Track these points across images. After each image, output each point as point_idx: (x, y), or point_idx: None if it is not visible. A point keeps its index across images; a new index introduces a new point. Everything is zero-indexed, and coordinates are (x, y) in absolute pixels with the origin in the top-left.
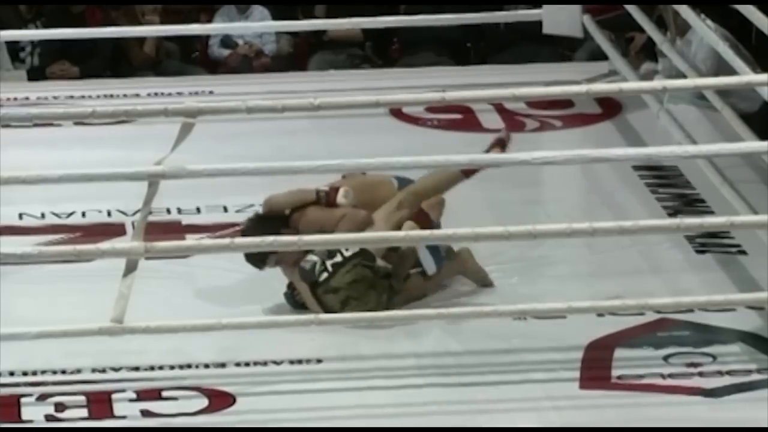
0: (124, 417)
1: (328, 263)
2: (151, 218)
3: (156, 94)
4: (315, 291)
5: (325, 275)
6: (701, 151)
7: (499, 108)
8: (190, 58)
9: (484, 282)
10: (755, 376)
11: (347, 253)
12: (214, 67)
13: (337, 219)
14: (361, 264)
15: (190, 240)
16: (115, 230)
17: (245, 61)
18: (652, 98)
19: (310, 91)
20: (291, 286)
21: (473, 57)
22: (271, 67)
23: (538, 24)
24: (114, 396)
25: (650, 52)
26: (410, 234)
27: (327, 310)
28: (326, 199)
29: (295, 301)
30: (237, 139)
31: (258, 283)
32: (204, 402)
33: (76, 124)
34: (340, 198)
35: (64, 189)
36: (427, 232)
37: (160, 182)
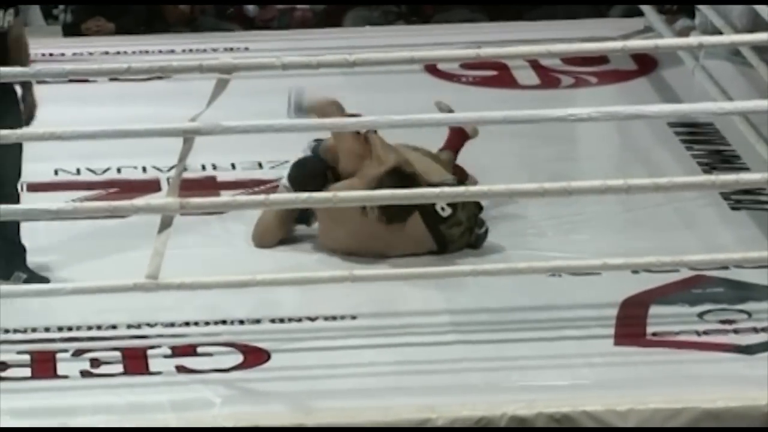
0: (159, 373)
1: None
2: (186, 174)
3: (191, 50)
4: (438, 228)
5: (449, 211)
6: (737, 108)
7: (535, 64)
8: (225, 14)
9: None
10: None
11: None
12: (250, 23)
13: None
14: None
15: (225, 196)
16: (150, 186)
17: (284, 14)
18: (688, 55)
19: (345, 48)
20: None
21: (508, 13)
22: (309, 20)
23: None
24: (149, 352)
25: (686, 8)
26: (445, 191)
27: (446, 242)
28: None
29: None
30: (272, 95)
31: (292, 239)
32: (239, 358)
33: (112, 80)
34: None
35: (99, 145)
36: (462, 189)
37: (195, 138)
